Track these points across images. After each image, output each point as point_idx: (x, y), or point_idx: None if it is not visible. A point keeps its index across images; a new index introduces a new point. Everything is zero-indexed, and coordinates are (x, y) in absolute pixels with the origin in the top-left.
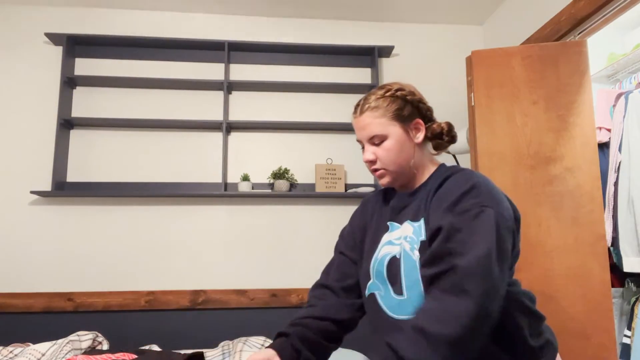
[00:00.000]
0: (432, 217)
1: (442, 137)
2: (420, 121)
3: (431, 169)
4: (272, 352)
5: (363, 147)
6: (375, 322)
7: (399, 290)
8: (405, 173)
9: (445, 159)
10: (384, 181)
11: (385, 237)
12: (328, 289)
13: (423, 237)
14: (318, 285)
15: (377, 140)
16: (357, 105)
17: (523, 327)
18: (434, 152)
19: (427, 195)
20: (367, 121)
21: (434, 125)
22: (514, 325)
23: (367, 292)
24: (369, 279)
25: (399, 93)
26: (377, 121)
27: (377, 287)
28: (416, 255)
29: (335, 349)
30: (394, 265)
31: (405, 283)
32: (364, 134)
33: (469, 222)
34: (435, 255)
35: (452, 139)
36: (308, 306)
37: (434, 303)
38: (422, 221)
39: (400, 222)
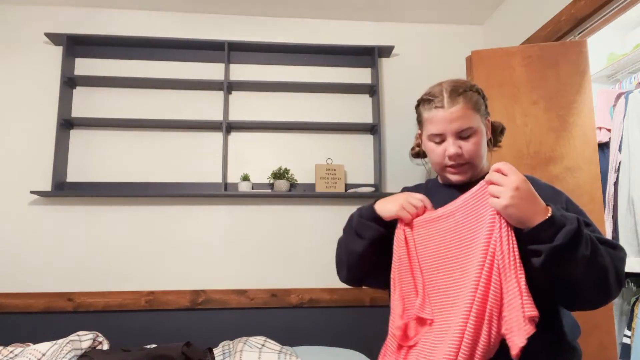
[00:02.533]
0: None
1: (497, 135)
2: (489, 117)
3: (487, 166)
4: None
5: (439, 142)
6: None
7: None
8: (479, 168)
9: None
10: (463, 178)
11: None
12: None
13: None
14: None
15: (466, 133)
16: (438, 98)
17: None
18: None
19: None
20: (461, 113)
21: (495, 123)
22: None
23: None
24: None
25: (476, 88)
26: (469, 113)
27: None
28: None
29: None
30: None
31: None
32: (453, 126)
33: (578, 208)
34: None
35: (501, 132)
36: None
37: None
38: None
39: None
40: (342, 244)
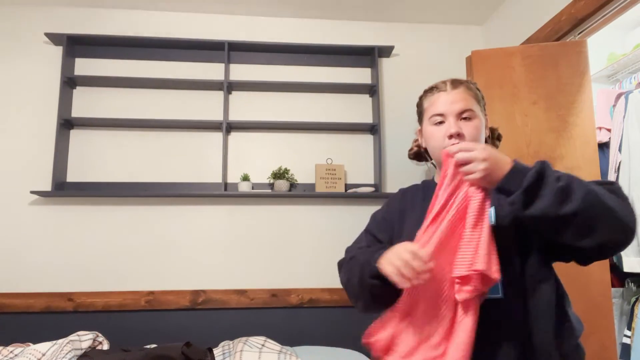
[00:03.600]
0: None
1: (494, 140)
2: (487, 118)
3: None
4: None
5: (440, 122)
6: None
7: None
8: None
9: None
10: None
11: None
12: None
13: (493, 221)
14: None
15: (467, 115)
16: (442, 84)
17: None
18: None
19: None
20: (463, 96)
21: (492, 127)
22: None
23: None
24: None
25: (477, 86)
26: (471, 99)
27: None
28: None
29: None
30: None
31: None
32: (455, 107)
33: None
34: None
35: (498, 139)
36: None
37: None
38: (492, 209)
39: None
40: (354, 278)
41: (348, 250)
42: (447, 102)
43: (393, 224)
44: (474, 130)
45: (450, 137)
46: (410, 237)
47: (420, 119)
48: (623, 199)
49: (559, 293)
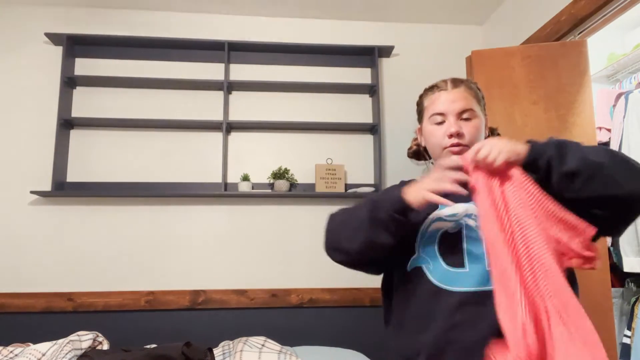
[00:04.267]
0: None
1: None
2: (487, 119)
3: None
4: None
5: (440, 122)
6: (417, 292)
7: (458, 264)
8: None
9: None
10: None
11: (435, 214)
12: None
13: None
14: None
15: (467, 115)
16: (442, 83)
17: None
18: None
19: None
20: (463, 95)
21: (492, 128)
22: None
23: (409, 267)
24: (413, 254)
25: (478, 86)
26: (471, 99)
27: (424, 260)
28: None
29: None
30: (449, 239)
31: (468, 257)
32: (456, 106)
33: None
34: None
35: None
36: None
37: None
38: None
39: (455, 202)
40: (350, 228)
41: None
42: (447, 101)
43: None
44: (473, 130)
45: (450, 136)
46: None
47: (420, 118)
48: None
49: (571, 280)
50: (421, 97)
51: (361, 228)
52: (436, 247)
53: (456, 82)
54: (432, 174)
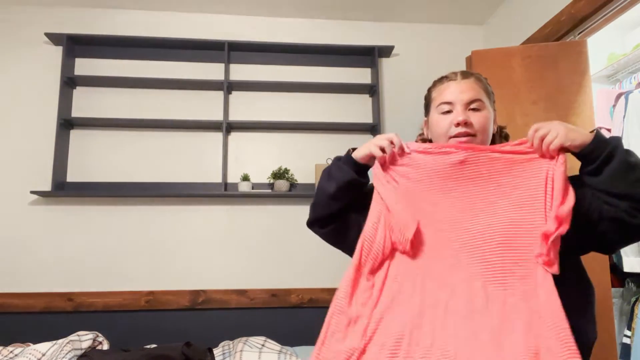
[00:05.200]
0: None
1: (500, 139)
2: (495, 115)
3: None
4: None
5: (447, 112)
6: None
7: None
8: None
9: None
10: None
11: None
12: None
13: None
14: None
15: (476, 105)
16: (454, 73)
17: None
18: None
19: None
20: (473, 86)
21: (500, 126)
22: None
23: None
24: None
25: (488, 82)
26: (481, 90)
27: None
28: None
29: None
30: None
31: None
32: (464, 96)
33: None
34: None
35: (505, 139)
36: None
37: None
38: None
39: None
40: (324, 177)
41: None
42: (456, 91)
43: None
44: (482, 120)
45: (457, 124)
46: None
47: (427, 110)
48: None
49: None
50: (430, 89)
51: (319, 182)
52: None
53: (466, 74)
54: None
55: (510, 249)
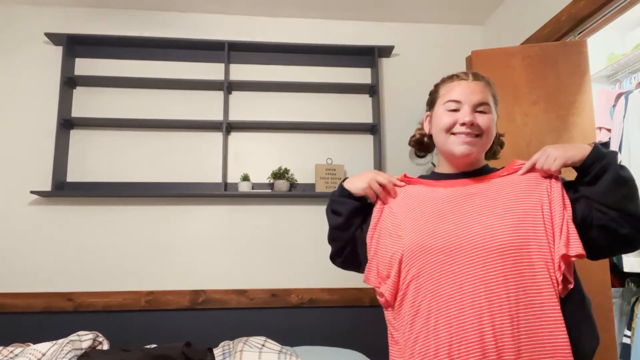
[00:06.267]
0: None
1: (495, 145)
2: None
3: (483, 162)
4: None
5: (454, 110)
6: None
7: None
8: (483, 153)
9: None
10: (470, 149)
11: None
12: None
13: None
14: None
15: (483, 108)
16: (465, 73)
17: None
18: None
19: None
20: (483, 89)
21: (498, 132)
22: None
23: None
24: None
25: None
26: (489, 94)
27: None
28: None
29: None
30: None
31: None
32: (473, 98)
33: None
34: None
35: (501, 146)
36: None
37: None
38: None
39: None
40: (328, 213)
41: None
42: (466, 91)
43: None
44: (488, 122)
45: (463, 124)
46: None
47: (431, 106)
48: None
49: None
50: (437, 85)
51: (328, 223)
52: None
53: (477, 76)
54: (373, 171)
55: (513, 267)
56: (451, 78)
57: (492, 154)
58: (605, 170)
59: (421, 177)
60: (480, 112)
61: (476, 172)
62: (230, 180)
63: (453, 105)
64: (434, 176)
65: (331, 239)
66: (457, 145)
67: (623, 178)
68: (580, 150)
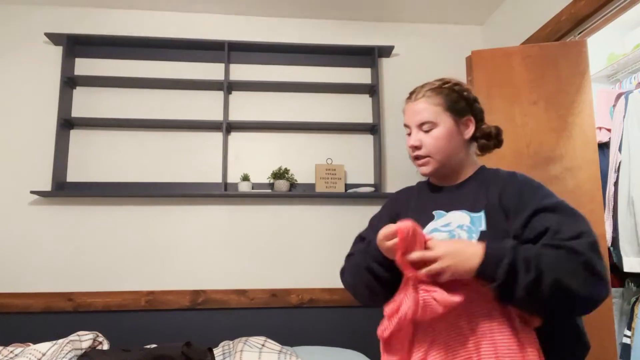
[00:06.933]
0: (516, 214)
1: (490, 139)
2: (472, 119)
3: (474, 167)
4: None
5: (409, 134)
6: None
7: None
8: (449, 165)
9: None
10: (426, 170)
11: (431, 225)
12: None
13: (483, 227)
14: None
15: (426, 127)
16: (413, 92)
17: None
18: (478, 152)
19: (482, 190)
20: (422, 107)
21: (484, 126)
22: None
23: None
24: None
25: (456, 87)
26: (432, 108)
27: None
28: None
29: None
30: None
31: None
32: (415, 119)
33: (540, 190)
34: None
35: (499, 143)
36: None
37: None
38: (482, 213)
39: (447, 211)
40: (358, 277)
41: (347, 256)
42: (409, 113)
43: None
44: (432, 141)
45: (409, 147)
46: None
47: None
48: (593, 273)
49: None
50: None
51: (364, 280)
52: None
53: (418, 92)
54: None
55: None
56: (408, 97)
57: (480, 149)
58: (510, 286)
59: (418, 184)
60: (425, 131)
61: (462, 184)
62: (230, 180)
63: (407, 130)
64: (424, 187)
65: (370, 294)
66: (416, 167)
67: (536, 281)
68: (469, 265)
